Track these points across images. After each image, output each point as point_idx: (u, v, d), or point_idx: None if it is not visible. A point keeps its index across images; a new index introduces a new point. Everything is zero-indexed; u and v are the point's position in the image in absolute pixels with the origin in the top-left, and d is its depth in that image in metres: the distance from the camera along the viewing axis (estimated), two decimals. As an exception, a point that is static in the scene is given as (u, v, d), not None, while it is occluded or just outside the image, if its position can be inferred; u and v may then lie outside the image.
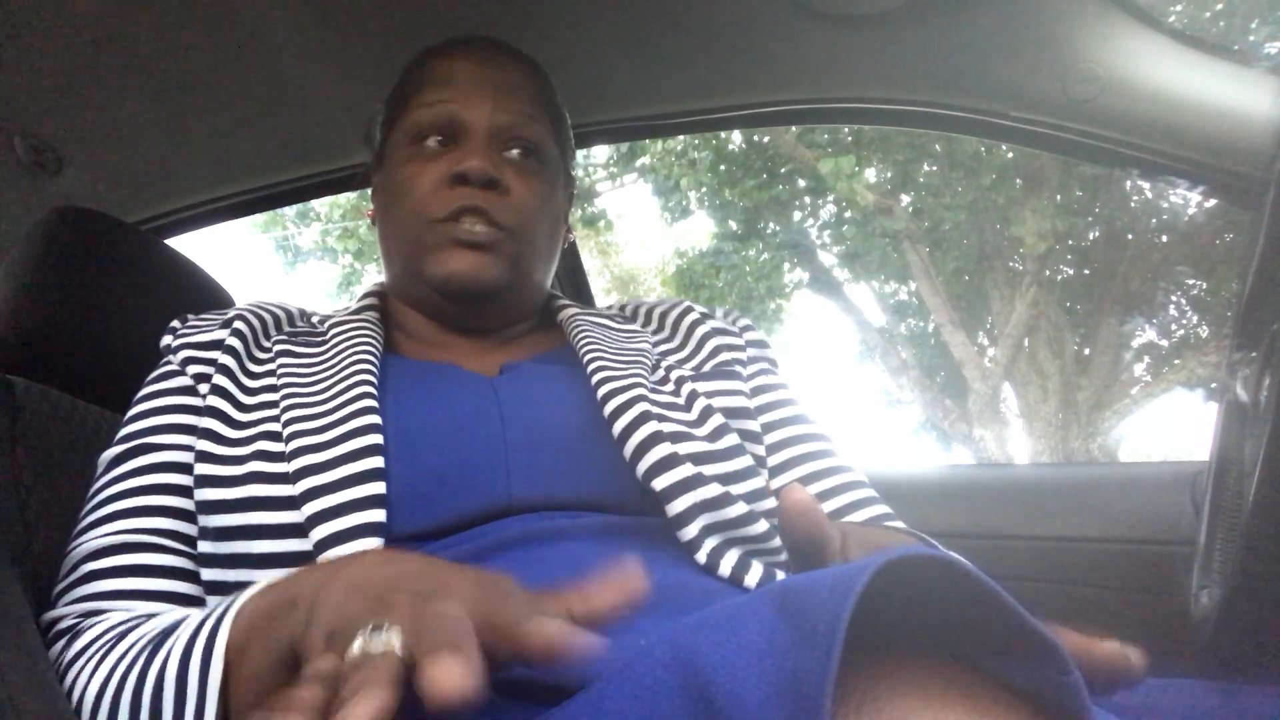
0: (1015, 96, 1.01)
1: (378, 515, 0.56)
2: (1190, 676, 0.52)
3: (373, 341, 0.72)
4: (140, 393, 0.69)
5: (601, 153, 8.14)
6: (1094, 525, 0.97)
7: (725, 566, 0.60)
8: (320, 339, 0.74)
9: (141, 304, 0.88)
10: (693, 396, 0.69)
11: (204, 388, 0.67)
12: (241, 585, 0.56)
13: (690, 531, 0.60)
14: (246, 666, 0.44)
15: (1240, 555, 0.47)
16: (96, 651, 0.53)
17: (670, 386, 0.71)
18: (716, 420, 0.67)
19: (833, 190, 7.44)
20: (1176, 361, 7.31)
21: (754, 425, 0.72)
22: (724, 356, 0.77)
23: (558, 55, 1.10)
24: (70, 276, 0.84)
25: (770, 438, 0.74)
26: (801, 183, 8.00)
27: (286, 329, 0.76)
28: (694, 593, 0.57)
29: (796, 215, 8.32)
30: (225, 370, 0.67)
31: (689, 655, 0.30)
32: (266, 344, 0.72)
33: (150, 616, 0.56)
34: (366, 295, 0.81)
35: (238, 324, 0.71)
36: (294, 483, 0.58)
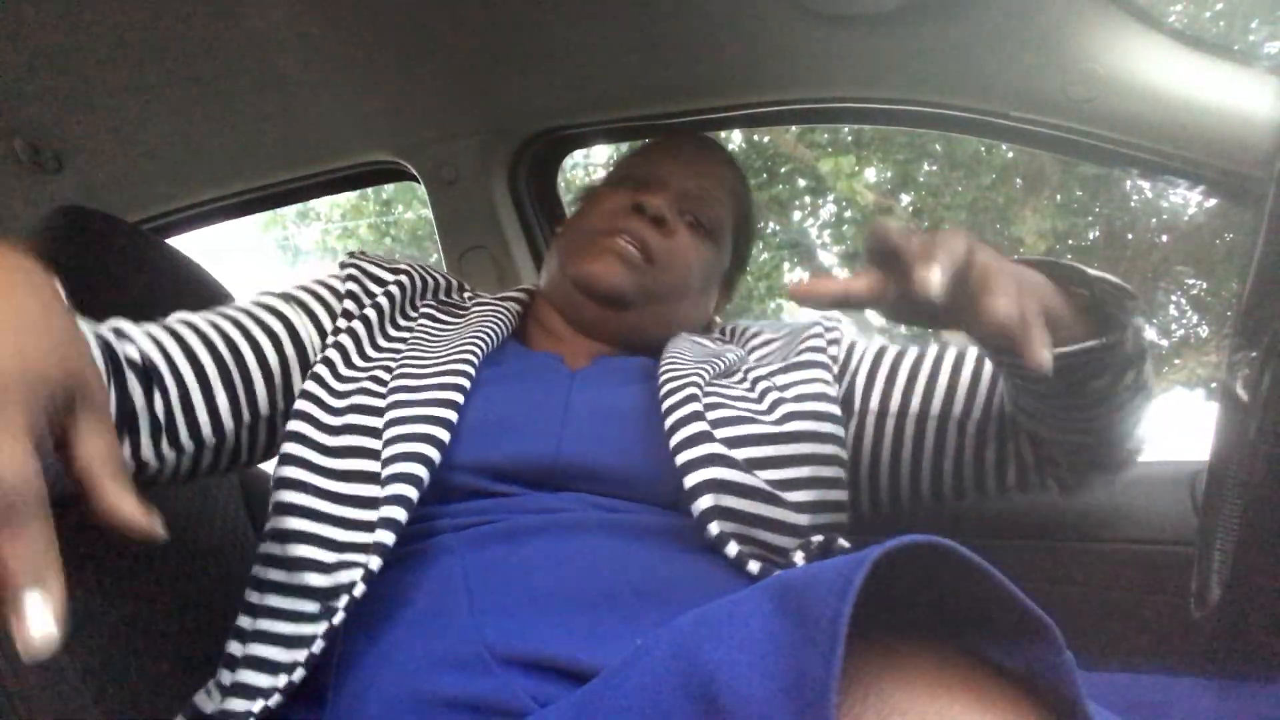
0: (1015, 96, 1.01)
1: (442, 433, 0.63)
2: (1190, 676, 0.52)
3: (502, 324, 0.79)
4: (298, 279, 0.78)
5: (602, 153, 8.14)
6: (1094, 525, 0.97)
7: (731, 550, 0.61)
8: (463, 312, 0.82)
9: (142, 304, 0.88)
10: (766, 390, 0.73)
11: (351, 305, 0.75)
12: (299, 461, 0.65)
13: (702, 504, 0.61)
14: None
15: (1240, 555, 0.47)
16: None
17: (746, 385, 0.74)
18: (786, 408, 0.70)
19: (833, 190, 7.44)
20: (1176, 361, 7.31)
21: (835, 409, 0.73)
22: (811, 343, 0.79)
23: (558, 55, 1.10)
24: (70, 276, 0.84)
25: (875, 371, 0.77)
26: (801, 183, 7.99)
27: (441, 297, 0.85)
28: (706, 590, 0.57)
29: (796, 215, 8.32)
30: (378, 308, 0.75)
31: (691, 653, 0.30)
32: (413, 312, 0.80)
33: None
34: (520, 289, 0.90)
35: (402, 277, 0.80)
36: (385, 401, 0.65)
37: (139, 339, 0.65)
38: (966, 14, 0.95)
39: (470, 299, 0.87)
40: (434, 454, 0.62)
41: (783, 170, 7.94)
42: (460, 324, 0.79)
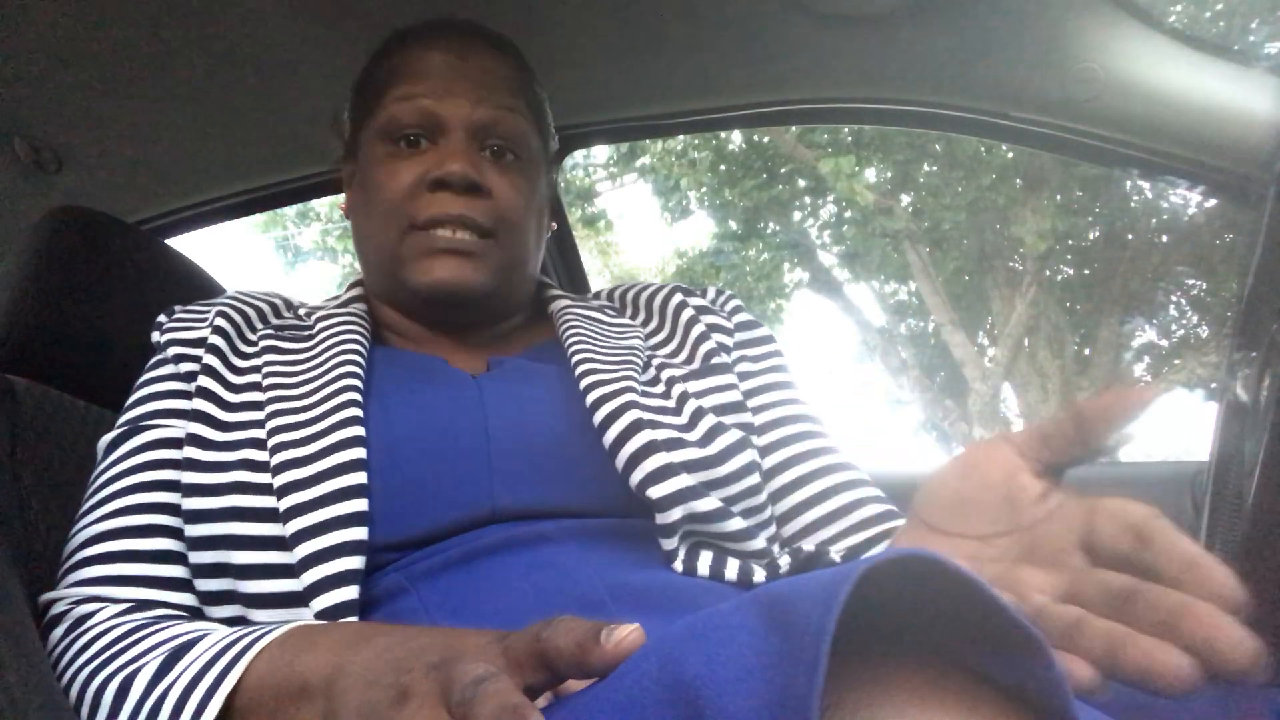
0: (1015, 96, 1.01)
1: (360, 533, 0.55)
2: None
3: (360, 338, 0.70)
4: (138, 381, 0.69)
5: (601, 153, 8.14)
6: (1094, 525, 0.97)
7: (703, 566, 0.60)
8: (307, 333, 0.72)
9: (141, 304, 0.88)
10: (684, 398, 0.68)
11: (192, 386, 0.66)
12: (225, 595, 0.58)
13: (673, 542, 0.60)
14: None
15: (1240, 555, 0.47)
16: (98, 657, 0.53)
17: (661, 388, 0.69)
18: (709, 422, 0.66)
19: (833, 190, 7.44)
20: (1176, 361, 7.31)
21: (750, 417, 0.71)
22: (712, 345, 0.75)
23: (558, 55, 1.10)
24: (70, 276, 0.84)
25: (762, 439, 0.72)
26: (801, 183, 8.00)
27: (274, 321, 0.74)
28: (678, 592, 0.57)
29: (796, 215, 8.32)
30: (210, 370, 0.66)
31: (677, 667, 0.30)
32: (251, 338, 0.71)
33: (153, 619, 0.56)
34: (353, 286, 0.80)
35: (219, 320, 0.70)
36: (279, 499, 0.57)
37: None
38: (966, 14, 0.95)
39: (308, 313, 0.76)
40: (363, 534, 0.55)
41: (783, 170, 7.96)
42: (310, 349, 0.70)
